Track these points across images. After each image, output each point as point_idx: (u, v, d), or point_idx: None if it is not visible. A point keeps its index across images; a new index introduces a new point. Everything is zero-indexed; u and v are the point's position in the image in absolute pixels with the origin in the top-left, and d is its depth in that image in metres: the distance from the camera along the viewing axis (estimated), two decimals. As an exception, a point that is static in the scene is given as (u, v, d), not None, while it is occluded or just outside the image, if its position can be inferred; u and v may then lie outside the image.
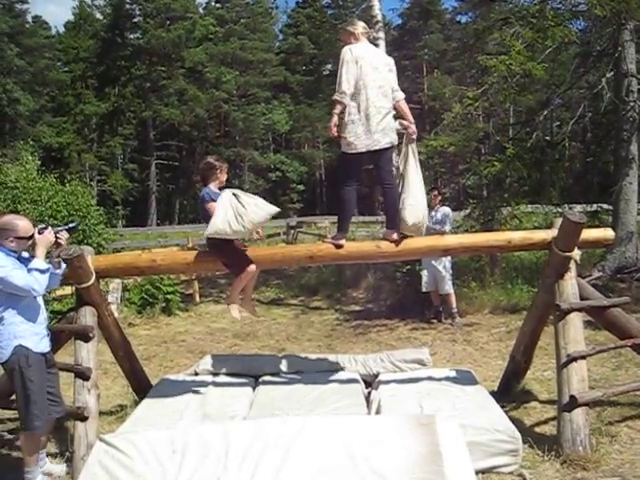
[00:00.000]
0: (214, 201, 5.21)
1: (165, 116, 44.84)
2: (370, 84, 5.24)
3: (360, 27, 5.55)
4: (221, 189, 5.42)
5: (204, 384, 6.03)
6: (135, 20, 48.23)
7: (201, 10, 53.00)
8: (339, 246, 5.41)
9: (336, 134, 5.28)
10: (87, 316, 5.47)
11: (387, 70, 5.44)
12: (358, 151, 5.27)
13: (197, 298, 12.73)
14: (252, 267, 5.29)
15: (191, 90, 45.38)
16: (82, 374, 5.24)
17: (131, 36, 48.40)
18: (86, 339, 5.38)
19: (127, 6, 47.49)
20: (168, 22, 45.60)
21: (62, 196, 10.70)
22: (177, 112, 44.75)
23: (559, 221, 5.27)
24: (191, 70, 47.00)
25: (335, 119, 5.27)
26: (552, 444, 4.79)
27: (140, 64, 46.37)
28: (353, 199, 5.52)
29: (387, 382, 5.82)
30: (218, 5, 53.50)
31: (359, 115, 5.22)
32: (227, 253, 5.30)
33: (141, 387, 6.31)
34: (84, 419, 5.04)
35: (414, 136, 5.50)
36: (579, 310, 5.20)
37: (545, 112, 11.93)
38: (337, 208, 5.74)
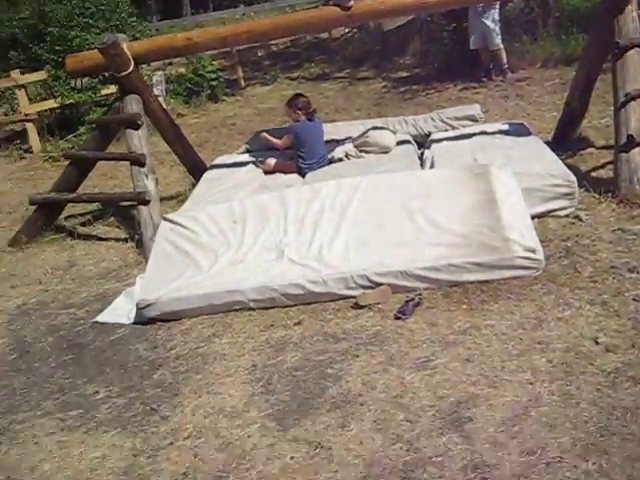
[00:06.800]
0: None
1: None
2: None
3: None
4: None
5: (257, 159, 6.03)
6: None
7: None
8: (347, 8, 5.08)
9: None
10: (132, 104, 5.47)
11: None
12: None
13: (242, 82, 12.51)
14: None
15: None
16: (137, 161, 5.34)
17: None
18: (135, 126, 5.42)
19: None
20: None
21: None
22: None
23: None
24: None
25: None
26: (609, 186, 4.76)
27: None
28: None
29: (439, 140, 5.75)
30: None
31: None
32: None
33: (197, 170, 6.30)
34: (146, 203, 5.19)
35: None
36: (639, 46, 4.89)
37: None
38: None
